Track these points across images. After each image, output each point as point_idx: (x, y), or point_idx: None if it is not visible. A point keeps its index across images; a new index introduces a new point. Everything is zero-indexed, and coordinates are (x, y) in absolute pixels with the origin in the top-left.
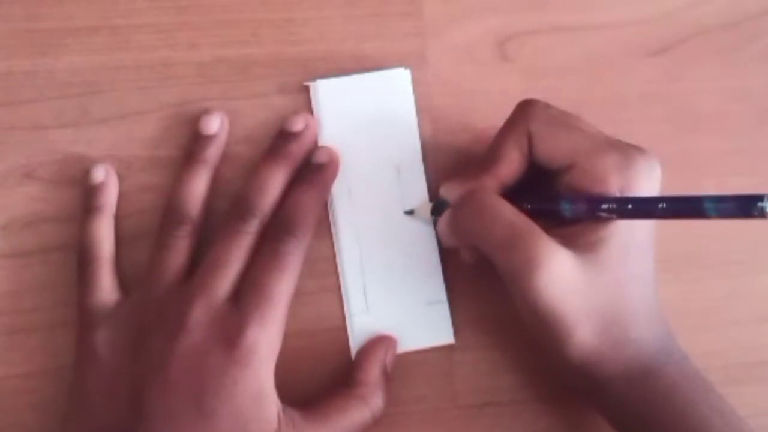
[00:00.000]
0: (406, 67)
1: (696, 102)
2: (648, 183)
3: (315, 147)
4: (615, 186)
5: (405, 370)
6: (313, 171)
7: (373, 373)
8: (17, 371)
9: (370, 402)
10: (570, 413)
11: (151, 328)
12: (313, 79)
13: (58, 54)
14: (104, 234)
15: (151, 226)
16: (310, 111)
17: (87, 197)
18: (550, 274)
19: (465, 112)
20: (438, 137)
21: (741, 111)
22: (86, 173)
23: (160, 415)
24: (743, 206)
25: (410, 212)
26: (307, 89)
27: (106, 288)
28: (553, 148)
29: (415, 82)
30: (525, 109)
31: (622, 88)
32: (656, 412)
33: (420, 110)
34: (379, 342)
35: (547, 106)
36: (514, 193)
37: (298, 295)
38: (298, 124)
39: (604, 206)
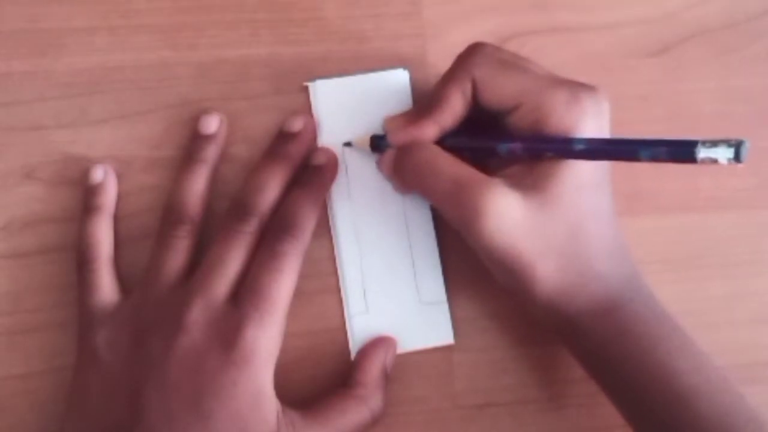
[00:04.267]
0: (404, 68)
1: (696, 102)
2: (595, 121)
3: (314, 147)
4: (561, 124)
5: (405, 370)
6: (312, 172)
7: (372, 373)
8: (17, 372)
9: (370, 403)
10: (570, 414)
11: (151, 329)
12: (313, 79)
13: (58, 54)
14: (103, 234)
15: (151, 226)
16: (310, 111)
17: (86, 197)
18: (498, 218)
19: None
20: None
21: (741, 111)
22: (86, 173)
23: (159, 416)
24: (677, 152)
25: (348, 144)
26: (306, 89)
27: (105, 288)
28: (500, 91)
29: (415, 83)
30: (471, 54)
31: (622, 88)
32: (622, 347)
33: None
34: (379, 343)
35: (497, 49)
36: (455, 135)
37: (298, 295)
38: (296, 125)
39: (541, 146)
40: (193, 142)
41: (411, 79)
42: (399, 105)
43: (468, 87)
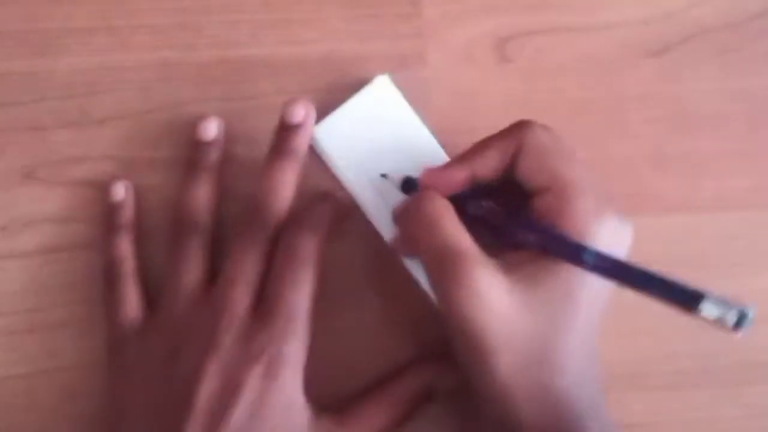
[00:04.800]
0: (383, 74)
1: (696, 102)
2: (609, 240)
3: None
4: (577, 225)
5: None
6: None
7: (412, 385)
8: (16, 372)
9: (404, 407)
10: None
11: (180, 347)
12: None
13: (58, 54)
14: (128, 250)
15: (151, 226)
16: (319, 157)
17: (109, 215)
18: (476, 295)
19: (465, 114)
20: (438, 139)
21: (741, 112)
22: (86, 175)
23: None
24: (683, 299)
25: (384, 175)
26: (305, 89)
27: (132, 304)
28: (538, 166)
29: (415, 84)
30: (525, 124)
31: (622, 88)
32: None
33: (420, 112)
34: (427, 364)
35: (547, 128)
36: (478, 200)
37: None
38: (298, 115)
39: (554, 245)
40: (194, 149)
41: (393, 79)
42: (396, 109)
43: (511, 148)
